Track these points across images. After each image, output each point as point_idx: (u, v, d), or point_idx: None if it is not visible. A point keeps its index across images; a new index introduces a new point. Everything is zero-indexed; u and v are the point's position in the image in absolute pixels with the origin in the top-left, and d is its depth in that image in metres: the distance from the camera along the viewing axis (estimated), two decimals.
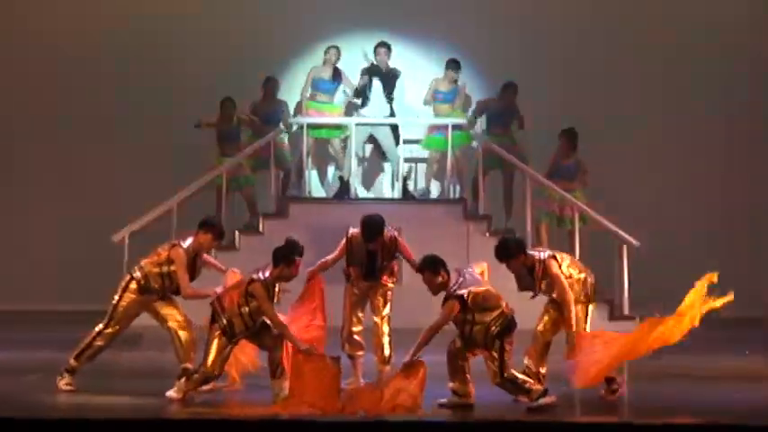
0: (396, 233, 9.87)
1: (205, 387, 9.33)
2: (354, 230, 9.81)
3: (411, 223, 14.20)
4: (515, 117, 15.12)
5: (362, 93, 15.30)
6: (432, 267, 9.09)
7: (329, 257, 9.85)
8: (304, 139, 15.26)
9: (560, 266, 9.48)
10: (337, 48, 15.56)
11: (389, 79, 15.32)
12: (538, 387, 9.06)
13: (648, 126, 16.42)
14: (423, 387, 8.83)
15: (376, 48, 15.40)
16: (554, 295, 9.56)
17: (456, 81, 15.36)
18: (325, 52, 15.55)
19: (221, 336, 9.06)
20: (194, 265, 9.74)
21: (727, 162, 16.67)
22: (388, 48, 15.35)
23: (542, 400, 8.96)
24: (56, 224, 16.48)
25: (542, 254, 9.61)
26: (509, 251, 9.52)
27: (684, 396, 9.85)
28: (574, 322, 9.35)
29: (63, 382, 9.67)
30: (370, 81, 15.27)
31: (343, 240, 9.84)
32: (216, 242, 9.94)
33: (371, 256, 9.75)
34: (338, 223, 14.23)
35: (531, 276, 9.54)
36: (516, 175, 14.96)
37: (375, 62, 15.39)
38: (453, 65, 15.38)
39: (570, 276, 9.52)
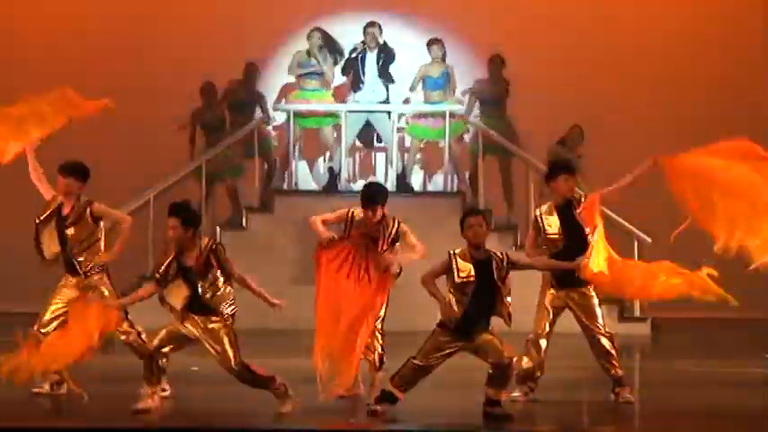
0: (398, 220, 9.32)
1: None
2: (357, 209, 9.11)
3: (406, 217, 13.68)
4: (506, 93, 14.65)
5: (353, 70, 14.69)
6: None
7: (329, 216, 9.10)
8: (290, 128, 14.61)
9: None
10: (320, 30, 14.97)
11: (384, 60, 14.78)
12: None
13: (659, 120, 15.87)
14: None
15: (365, 28, 14.80)
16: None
17: (443, 59, 14.90)
18: (309, 37, 14.93)
19: None
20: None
21: None
22: (378, 26, 14.76)
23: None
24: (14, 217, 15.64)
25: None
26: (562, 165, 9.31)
27: (701, 403, 9.41)
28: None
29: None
30: (363, 60, 14.68)
31: (344, 210, 9.09)
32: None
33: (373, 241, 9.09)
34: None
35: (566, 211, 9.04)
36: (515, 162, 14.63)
37: (365, 43, 14.81)
38: (436, 42, 14.96)
39: None
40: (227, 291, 8.37)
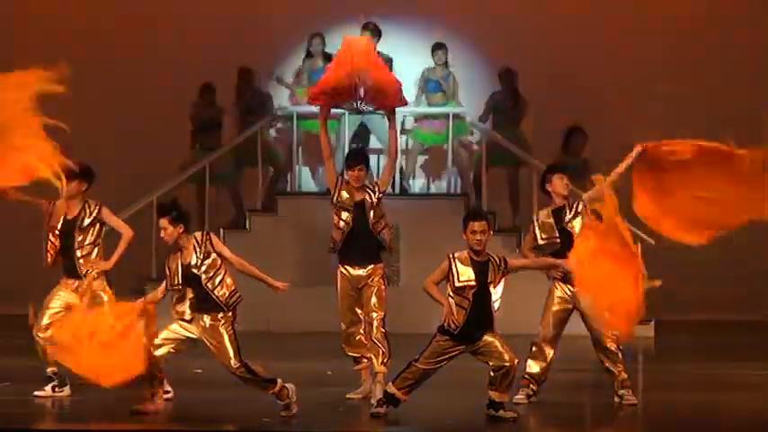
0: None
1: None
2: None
3: (410, 220, 13.69)
4: (521, 109, 14.59)
5: None
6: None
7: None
8: (294, 130, 14.60)
9: None
10: (321, 35, 14.92)
11: None
12: None
13: (661, 121, 15.76)
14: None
15: (361, 31, 14.65)
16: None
17: (446, 64, 14.85)
18: (309, 43, 14.87)
19: None
20: None
21: None
22: (376, 31, 14.53)
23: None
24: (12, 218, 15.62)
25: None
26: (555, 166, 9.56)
27: (708, 409, 9.33)
28: None
29: None
30: None
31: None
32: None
33: (360, 207, 9.28)
34: (330, 220, 13.75)
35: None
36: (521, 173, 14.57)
37: None
38: (440, 47, 14.88)
39: None
40: (229, 281, 8.39)
